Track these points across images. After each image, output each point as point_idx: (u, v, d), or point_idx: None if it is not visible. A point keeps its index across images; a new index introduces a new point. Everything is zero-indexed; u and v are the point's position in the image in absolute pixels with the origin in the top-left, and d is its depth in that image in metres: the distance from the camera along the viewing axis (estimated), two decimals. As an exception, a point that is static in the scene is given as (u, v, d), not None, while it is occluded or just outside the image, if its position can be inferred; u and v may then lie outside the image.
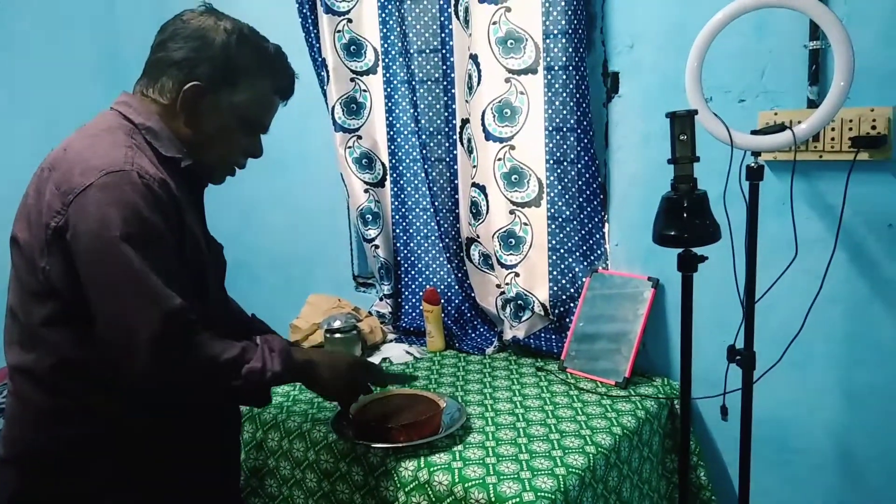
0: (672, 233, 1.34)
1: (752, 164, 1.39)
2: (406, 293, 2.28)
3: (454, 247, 2.12)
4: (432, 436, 1.47)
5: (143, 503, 1.19)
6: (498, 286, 2.04)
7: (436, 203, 2.11)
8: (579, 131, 1.81)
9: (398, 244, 2.26)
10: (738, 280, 1.45)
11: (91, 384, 1.13)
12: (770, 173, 1.59)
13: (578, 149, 1.82)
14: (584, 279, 1.92)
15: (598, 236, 1.89)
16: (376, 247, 2.23)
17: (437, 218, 2.12)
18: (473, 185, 1.98)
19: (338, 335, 1.98)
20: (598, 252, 1.91)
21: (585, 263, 1.92)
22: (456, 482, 1.35)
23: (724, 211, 1.39)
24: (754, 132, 1.43)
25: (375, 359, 2.02)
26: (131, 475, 1.17)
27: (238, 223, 2.68)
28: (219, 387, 1.17)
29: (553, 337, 1.97)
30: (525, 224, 1.94)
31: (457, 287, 2.18)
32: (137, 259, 1.04)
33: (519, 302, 1.97)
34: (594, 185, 1.85)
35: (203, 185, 1.31)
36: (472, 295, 2.14)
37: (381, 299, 2.31)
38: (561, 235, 1.92)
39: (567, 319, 1.94)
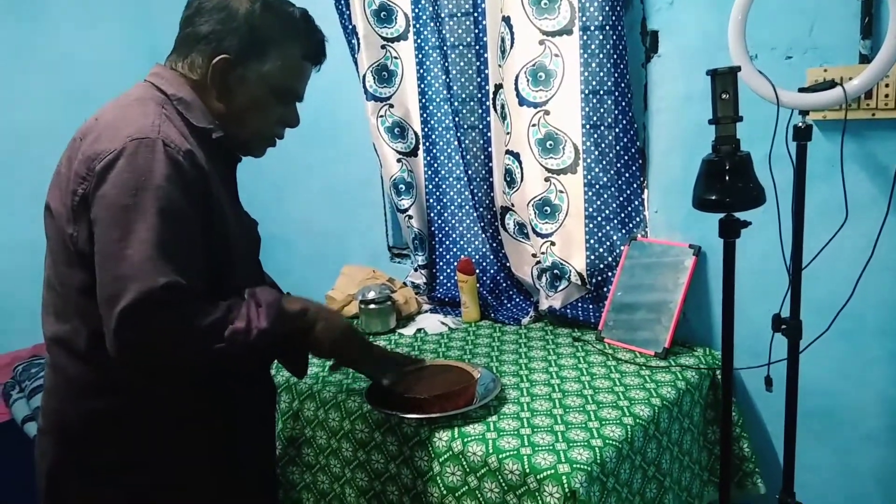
0: (713, 197, 1.28)
1: (800, 124, 1.32)
2: (440, 263, 2.26)
3: (488, 216, 2.09)
4: (466, 406, 1.46)
5: (179, 475, 1.19)
6: (533, 255, 2.01)
7: (469, 171, 2.07)
8: (617, 94, 1.75)
9: (432, 214, 2.23)
10: (783, 246, 1.39)
11: None
12: (819, 133, 1.52)
13: (616, 112, 1.76)
14: (622, 247, 1.87)
15: (636, 203, 1.84)
16: (410, 217, 2.21)
17: (471, 187, 2.08)
18: (507, 152, 1.94)
19: (372, 306, 1.98)
20: (637, 219, 1.85)
21: (623, 231, 1.87)
22: (490, 453, 1.34)
23: (770, 173, 1.33)
24: (802, 90, 1.36)
25: (410, 329, 2.01)
26: (167, 447, 1.18)
27: (272, 195, 2.68)
28: (204, 354, 1.08)
29: (590, 307, 1.93)
30: (561, 192, 1.90)
31: (492, 257, 2.15)
32: (143, 228, 1.02)
33: (555, 271, 1.94)
34: (632, 150, 1.79)
35: (236, 159, 1.29)
36: (508, 264, 2.11)
37: (415, 270, 2.29)
38: (598, 203, 1.87)
39: (605, 289, 1.90)
